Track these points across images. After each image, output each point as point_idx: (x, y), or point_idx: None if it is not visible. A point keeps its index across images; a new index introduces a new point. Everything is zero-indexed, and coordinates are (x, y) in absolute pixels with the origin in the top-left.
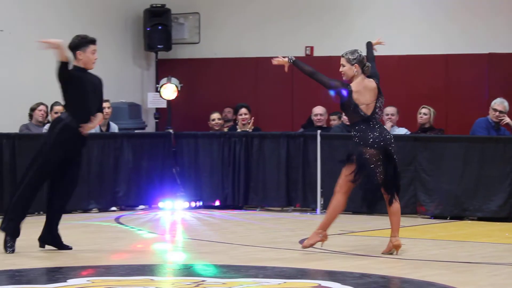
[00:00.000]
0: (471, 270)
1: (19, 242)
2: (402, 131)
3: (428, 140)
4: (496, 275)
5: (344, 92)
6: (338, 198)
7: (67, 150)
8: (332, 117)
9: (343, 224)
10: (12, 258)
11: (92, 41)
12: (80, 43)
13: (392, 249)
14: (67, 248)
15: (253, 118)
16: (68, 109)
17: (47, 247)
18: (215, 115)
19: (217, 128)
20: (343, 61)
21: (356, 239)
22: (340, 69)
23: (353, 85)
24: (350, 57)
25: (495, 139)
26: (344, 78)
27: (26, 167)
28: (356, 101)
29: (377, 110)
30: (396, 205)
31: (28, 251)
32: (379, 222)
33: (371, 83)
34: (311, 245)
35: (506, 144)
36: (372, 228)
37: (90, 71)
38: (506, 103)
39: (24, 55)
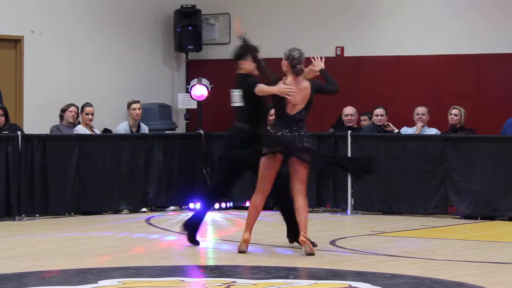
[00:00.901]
0: (502, 270)
1: (48, 243)
2: (433, 131)
3: (458, 140)
4: None
5: None
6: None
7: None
8: (362, 117)
9: (374, 224)
10: (42, 259)
11: (255, 49)
12: (242, 53)
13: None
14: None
15: None
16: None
17: None
18: None
19: None
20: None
21: (387, 239)
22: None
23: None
24: (285, 52)
25: None
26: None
27: None
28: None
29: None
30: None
31: (58, 253)
32: (410, 223)
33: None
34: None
35: None
36: (402, 229)
37: None
38: None
39: (55, 57)
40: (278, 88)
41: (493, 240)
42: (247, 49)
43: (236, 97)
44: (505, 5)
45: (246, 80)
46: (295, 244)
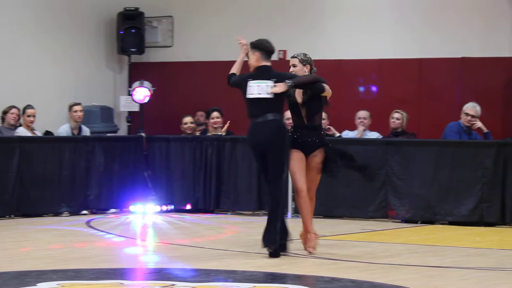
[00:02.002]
0: (442, 274)
1: None
2: (374, 135)
3: (399, 144)
4: (466, 279)
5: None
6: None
7: None
8: None
9: (314, 228)
10: None
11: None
12: (273, 48)
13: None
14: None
15: (228, 121)
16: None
17: None
18: (188, 119)
19: (189, 132)
20: (295, 61)
21: (327, 243)
22: (291, 69)
23: None
24: (302, 58)
25: (467, 143)
26: None
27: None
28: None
29: None
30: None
31: None
32: (350, 226)
33: None
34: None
35: (478, 148)
36: (342, 232)
37: None
38: (478, 108)
39: None
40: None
41: (432, 244)
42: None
43: (260, 89)
44: (447, 9)
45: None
46: (236, 247)
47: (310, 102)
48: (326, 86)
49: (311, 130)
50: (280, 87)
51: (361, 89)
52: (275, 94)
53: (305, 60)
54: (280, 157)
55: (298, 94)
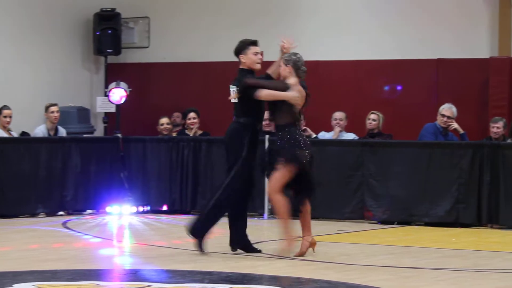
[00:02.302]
0: (417, 275)
1: None
2: (350, 136)
3: (376, 145)
4: (441, 280)
5: None
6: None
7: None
8: None
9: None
10: None
11: (252, 43)
12: (240, 47)
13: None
14: (256, 251)
15: (197, 125)
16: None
17: None
18: (164, 120)
19: (165, 133)
20: (281, 62)
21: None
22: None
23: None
24: (286, 58)
25: (443, 144)
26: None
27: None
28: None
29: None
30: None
31: None
32: (326, 228)
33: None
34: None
35: (454, 149)
36: (319, 233)
37: None
38: (454, 109)
39: None
40: (292, 95)
41: (408, 245)
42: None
43: (233, 93)
44: (423, 11)
45: (246, 77)
46: (212, 248)
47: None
48: (265, 92)
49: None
50: (233, 94)
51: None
52: (238, 99)
53: (288, 60)
54: (229, 157)
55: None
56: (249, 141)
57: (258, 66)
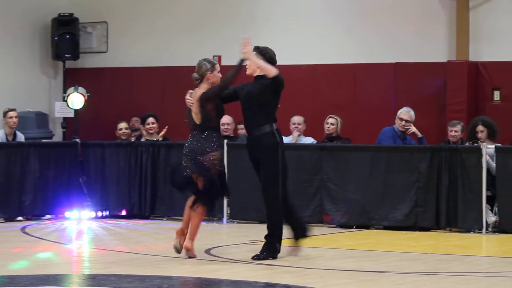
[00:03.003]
0: (376, 279)
1: None
2: (309, 140)
3: (334, 149)
4: (400, 284)
5: None
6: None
7: None
8: (239, 126)
9: (249, 233)
10: None
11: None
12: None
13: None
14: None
15: (167, 127)
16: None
17: None
18: (122, 125)
19: (124, 138)
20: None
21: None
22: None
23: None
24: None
25: (401, 148)
26: None
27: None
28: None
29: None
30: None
31: None
32: (285, 232)
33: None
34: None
35: (412, 153)
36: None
37: None
38: (412, 112)
39: None
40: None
41: (367, 249)
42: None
43: None
44: (381, 15)
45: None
46: (171, 253)
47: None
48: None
49: None
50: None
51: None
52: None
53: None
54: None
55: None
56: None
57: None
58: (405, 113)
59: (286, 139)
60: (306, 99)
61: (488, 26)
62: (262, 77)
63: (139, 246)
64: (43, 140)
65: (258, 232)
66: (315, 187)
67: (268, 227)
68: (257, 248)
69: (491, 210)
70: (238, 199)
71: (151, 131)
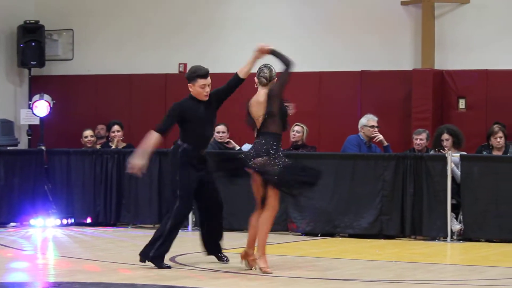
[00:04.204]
0: (340, 287)
1: None
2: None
3: (300, 157)
4: None
5: None
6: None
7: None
8: None
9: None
10: None
11: (201, 76)
12: (189, 76)
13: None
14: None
15: (117, 137)
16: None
17: None
18: (88, 132)
19: (89, 145)
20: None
21: (228, 256)
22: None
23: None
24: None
25: (366, 156)
26: None
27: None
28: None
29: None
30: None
31: None
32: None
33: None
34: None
35: (377, 161)
36: (243, 245)
37: None
38: (376, 118)
39: None
40: None
41: (332, 257)
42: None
43: None
44: (347, 23)
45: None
46: (136, 261)
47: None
48: None
49: None
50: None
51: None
52: None
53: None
54: None
55: None
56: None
57: (205, 98)
58: (373, 119)
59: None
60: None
61: (454, 34)
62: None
63: (104, 253)
64: (8, 148)
65: (223, 239)
66: (280, 195)
67: None
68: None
69: (456, 218)
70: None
71: (115, 139)
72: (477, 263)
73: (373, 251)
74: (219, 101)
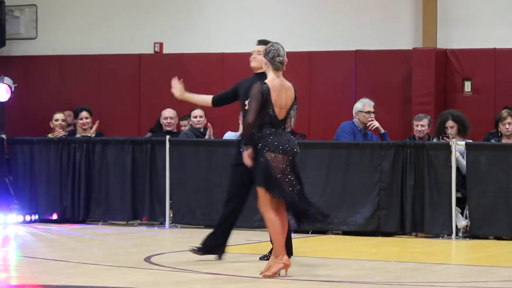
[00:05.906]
0: None
1: None
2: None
3: None
4: None
5: None
6: (270, 217)
7: None
8: (182, 122)
9: (194, 239)
10: None
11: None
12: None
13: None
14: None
15: (98, 121)
16: None
17: None
18: (59, 116)
19: (60, 130)
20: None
21: (208, 255)
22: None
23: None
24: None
25: (362, 145)
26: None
27: None
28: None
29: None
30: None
31: None
32: (234, 237)
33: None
34: (275, 274)
35: (374, 150)
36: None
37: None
38: (372, 103)
39: None
40: None
41: (325, 256)
42: None
43: None
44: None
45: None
46: (107, 261)
47: None
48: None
49: None
50: None
51: None
52: None
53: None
54: None
55: None
56: None
57: (252, 64)
58: (368, 104)
59: (234, 135)
60: None
61: (459, 10)
62: (263, 75)
63: (71, 253)
64: None
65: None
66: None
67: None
68: (203, 256)
69: (462, 213)
70: (182, 201)
71: (84, 127)
72: (485, 263)
73: (370, 250)
74: None
